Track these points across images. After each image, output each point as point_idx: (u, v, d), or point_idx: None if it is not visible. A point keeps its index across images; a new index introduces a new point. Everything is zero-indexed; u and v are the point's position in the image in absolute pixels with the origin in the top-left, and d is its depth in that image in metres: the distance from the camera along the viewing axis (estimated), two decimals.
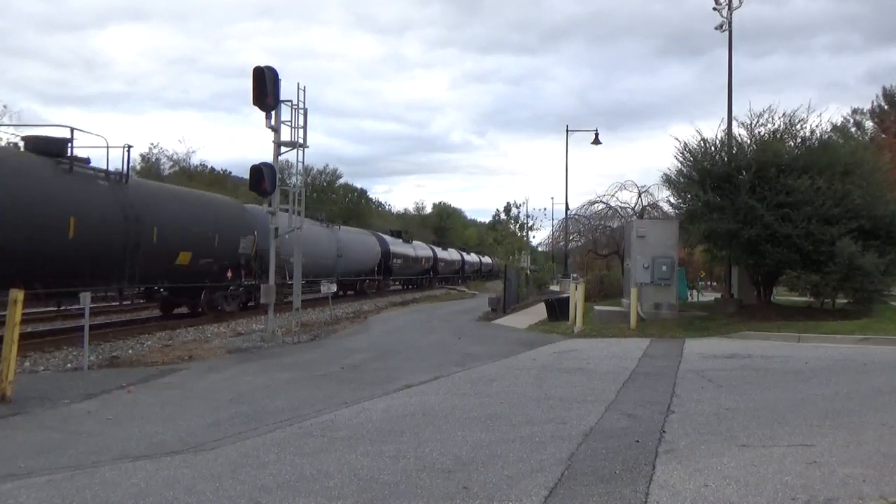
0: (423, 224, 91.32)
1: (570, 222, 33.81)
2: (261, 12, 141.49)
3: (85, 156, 14.41)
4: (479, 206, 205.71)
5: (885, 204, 16.67)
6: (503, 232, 40.76)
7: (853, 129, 44.07)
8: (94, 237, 13.25)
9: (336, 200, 69.32)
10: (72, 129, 13.54)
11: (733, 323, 15.89)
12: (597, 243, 30.62)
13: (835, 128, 26.71)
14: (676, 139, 18.59)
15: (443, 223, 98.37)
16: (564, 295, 22.09)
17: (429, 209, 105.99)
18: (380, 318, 22.28)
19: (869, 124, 46.80)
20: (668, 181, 19.12)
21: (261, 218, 19.72)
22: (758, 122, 17.73)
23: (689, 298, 25.17)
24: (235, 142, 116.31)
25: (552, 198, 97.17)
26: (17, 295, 8.18)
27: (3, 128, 37.47)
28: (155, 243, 15.33)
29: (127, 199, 14.88)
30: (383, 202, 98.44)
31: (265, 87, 14.40)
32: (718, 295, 23.68)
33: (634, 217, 25.92)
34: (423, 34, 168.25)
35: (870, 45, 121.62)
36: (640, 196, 28.62)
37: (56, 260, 10.26)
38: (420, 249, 45.96)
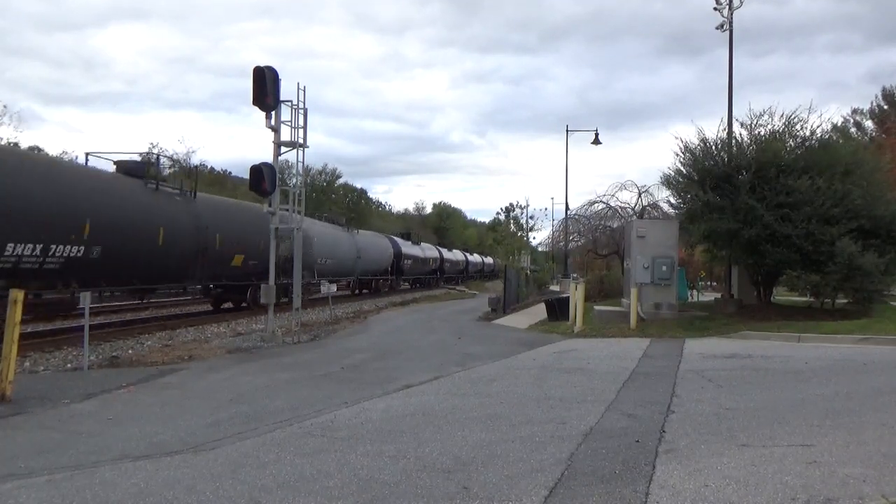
0: (424, 224, 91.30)
1: (570, 222, 33.81)
2: (260, 12, 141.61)
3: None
4: (479, 206, 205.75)
5: (885, 204, 16.67)
6: (503, 233, 40.75)
7: (853, 130, 44.09)
8: (175, 244, 16.05)
9: (336, 200, 69.32)
10: (158, 156, 17.59)
11: (733, 323, 15.88)
12: (597, 243, 30.62)
13: (835, 128, 26.74)
14: (677, 139, 18.60)
15: (443, 223, 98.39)
16: (564, 295, 22.09)
17: (429, 209, 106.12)
18: (380, 318, 22.28)
19: (869, 124, 46.81)
20: (667, 181, 19.12)
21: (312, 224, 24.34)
22: (757, 122, 17.75)
23: (689, 298, 25.19)
24: (235, 142, 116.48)
25: (552, 198, 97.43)
26: (17, 295, 8.18)
27: (2, 129, 37.50)
28: (217, 248, 18.08)
29: (196, 211, 17.72)
30: (383, 202, 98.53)
31: (265, 87, 14.40)
32: (718, 295, 23.68)
33: (634, 217, 25.91)
34: (423, 34, 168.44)
35: (870, 44, 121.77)
36: (640, 196, 28.64)
37: (149, 262, 12.69)
38: (428, 251, 48.16)
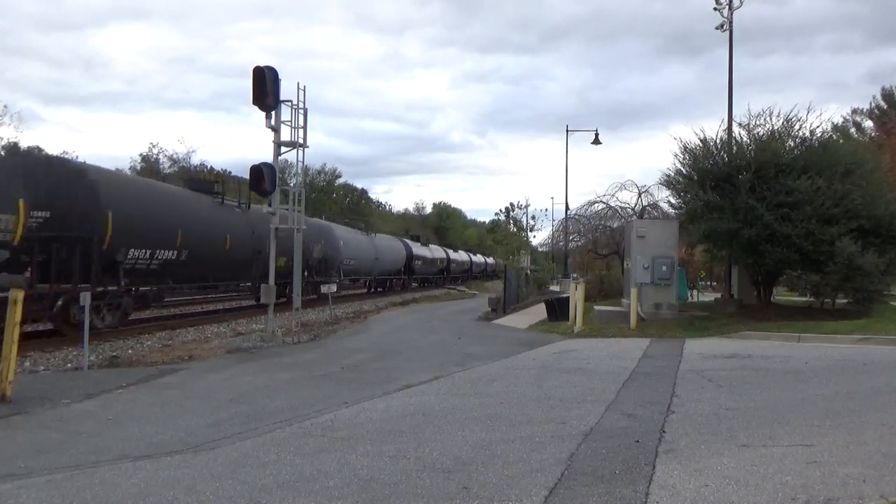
0: (424, 224, 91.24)
1: (570, 222, 33.83)
2: (260, 12, 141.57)
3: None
4: (479, 206, 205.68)
5: (885, 204, 16.67)
6: (502, 233, 40.87)
7: (853, 130, 44.11)
8: (237, 248, 19.09)
9: (336, 200, 69.34)
10: (223, 180, 20.45)
11: (733, 323, 15.88)
12: (597, 243, 30.63)
13: (835, 128, 26.72)
14: (677, 139, 18.61)
15: (443, 223, 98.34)
16: (564, 295, 22.09)
17: (429, 209, 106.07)
18: (380, 318, 22.28)
19: (869, 124, 46.83)
20: (668, 182, 19.13)
21: (326, 228, 28.35)
22: (756, 122, 17.75)
23: (689, 298, 25.18)
24: (235, 142, 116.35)
25: (552, 198, 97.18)
26: (17, 295, 8.18)
27: (2, 129, 37.54)
28: (267, 252, 20.34)
29: (251, 220, 20.60)
30: (383, 202, 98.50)
31: (265, 87, 14.41)
32: (718, 295, 23.69)
33: (634, 217, 25.92)
34: (422, 34, 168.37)
35: (870, 44, 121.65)
36: (640, 196, 28.65)
37: (218, 263, 15.35)
38: (436, 252, 51.12)
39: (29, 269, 12.81)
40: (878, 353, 11.61)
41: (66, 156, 40.74)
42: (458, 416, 7.01)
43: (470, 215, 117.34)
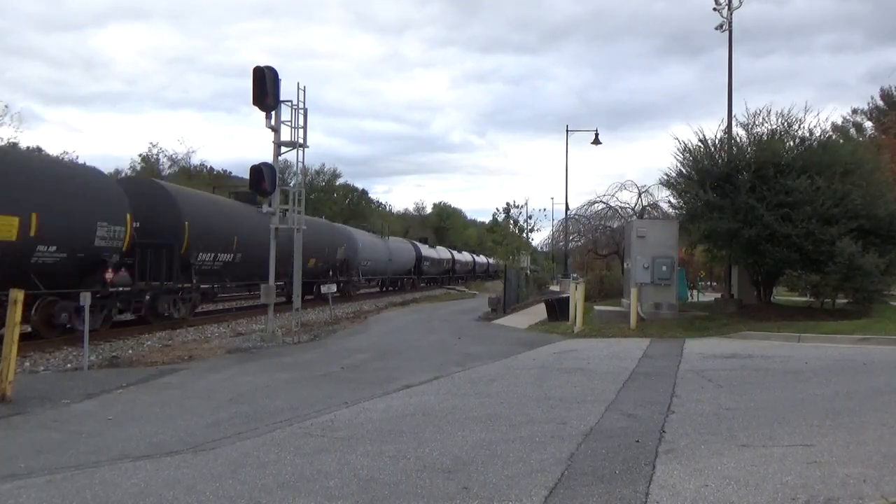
0: (424, 224, 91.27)
1: (570, 222, 33.83)
2: (260, 11, 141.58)
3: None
4: (479, 206, 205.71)
5: (884, 204, 16.67)
6: (502, 233, 41.01)
7: (852, 130, 44.11)
8: (278, 252, 21.40)
9: (336, 200, 69.30)
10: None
11: (733, 323, 15.88)
12: (597, 243, 30.63)
13: (835, 128, 26.70)
14: (677, 139, 18.60)
15: (443, 223, 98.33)
16: (564, 295, 22.10)
17: (429, 209, 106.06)
18: (380, 319, 22.28)
19: (868, 124, 46.83)
20: (668, 182, 19.12)
21: (347, 232, 31.98)
22: (755, 121, 17.75)
23: (689, 298, 25.18)
24: (235, 142, 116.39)
25: (552, 198, 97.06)
26: (17, 295, 8.18)
27: (2, 130, 37.55)
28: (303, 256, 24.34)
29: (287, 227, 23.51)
30: (383, 202, 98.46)
31: (265, 87, 14.41)
32: (718, 295, 23.69)
33: (634, 217, 25.92)
34: (422, 33, 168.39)
35: (871, 44, 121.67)
36: (640, 196, 28.66)
37: (264, 265, 16.34)
38: (442, 253, 54.03)
39: (124, 269, 15.62)
40: (878, 353, 11.61)
41: (66, 156, 40.80)
42: (458, 416, 7.01)
43: (470, 215, 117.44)
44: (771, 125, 17.59)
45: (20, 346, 8.75)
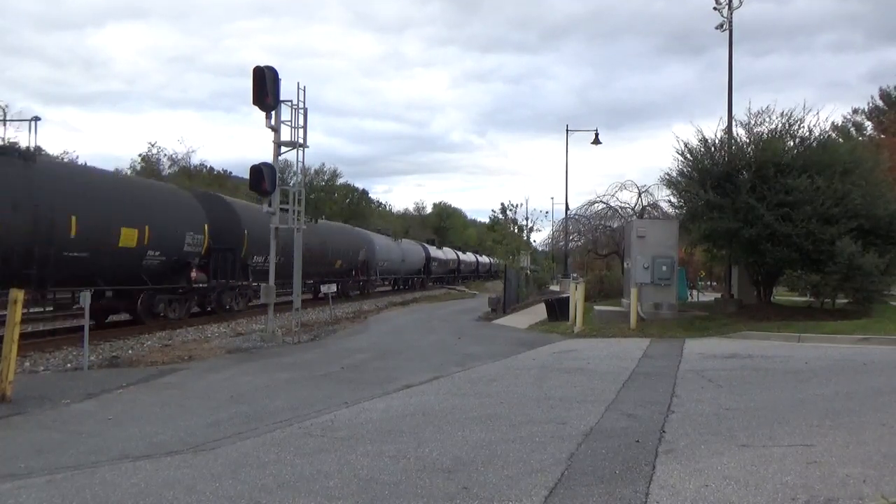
0: (424, 224, 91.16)
1: (570, 222, 33.81)
2: (260, 10, 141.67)
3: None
4: (479, 206, 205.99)
5: (884, 204, 16.66)
6: (502, 232, 41.20)
7: (852, 130, 44.10)
8: (310, 253, 23.63)
9: (336, 201, 69.23)
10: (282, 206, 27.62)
11: (733, 323, 15.88)
12: (597, 243, 30.61)
13: (835, 127, 26.68)
14: (678, 138, 18.60)
15: (443, 223, 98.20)
16: (564, 295, 22.09)
17: (429, 209, 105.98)
18: (380, 318, 22.28)
19: (868, 124, 46.83)
20: (668, 181, 19.12)
21: (367, 236, 35.22)
22: (756, 121, 17.75)
23: (689, 298, 25.18)
24: (235, 141, 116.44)
25: (552, 198, 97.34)
26: (17, 295, 8.18)
27: (2, 129, 37.53)
28: (329, 257, 28.43)
29: (320, 232, 27.64)
30: (383, 202, 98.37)
31: (265, 87, 14.40)
32: (718, 295, 23.68)
33: (634, 217, 25.91)
34: (422, 32, 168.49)
35: (872, 43, 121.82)
36: (640, 196, 28.64)
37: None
38: (448, 254, 57.47)
39: (196, 270, 18.54)
40: (878, 353, 11.61)
41: (67, 156, 40.73)
42: (458, 416, 7.00)
43: (470, 215, 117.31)
44: (771, 125, 17.61)
45: (20, 346, 8.75)
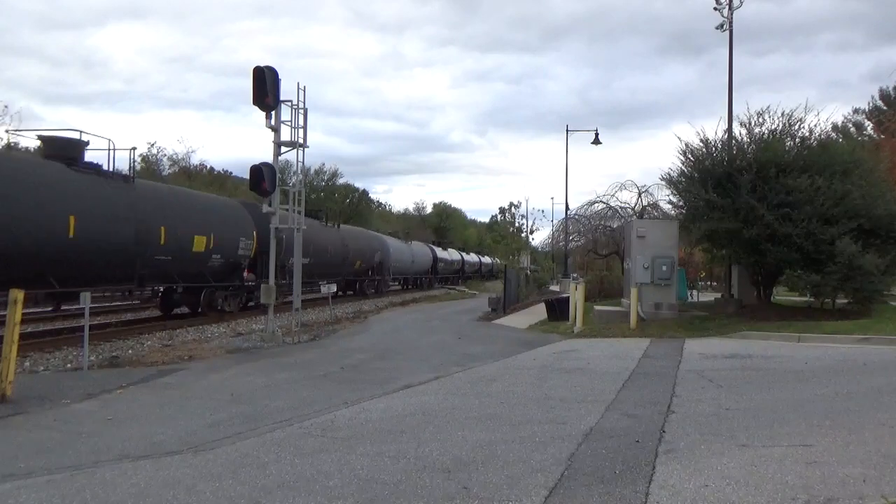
0: (423, 224, 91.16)
1: (570, 222, 33.80)
2: (259, 10, 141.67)
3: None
4: (479, 206, 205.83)
5: (884, 204, 16.65)
6: (502, 232, 41.51)
7: (853, 130, 44.11)
8: (334, 254, 28.47)
9: (336, 201, 69.27)
10: (319, 212, 30.96)
11: (733, 323, 15.88)
12: (597, 243, 30.60)
13: (835, 127, 26.66)
14: (679, 138, 18.59)
15: (443, 223, 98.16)
16: (564, 295, 22.09)
17: (429, 209, 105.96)
18: (380, 318, 22.28)
19: (868, 124, 46.83)
20: (669, 181, 19.11)
21: (382, 239, 38.63)
22: (757, 121, 17.74)
23: (689, 298, 25.16)
24: (235, 141, 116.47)
25: (552, 198, 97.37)
26: (18, 295, 8.18)
27: (1, 129, 37.51)
28: (350, 259, 31.59)
29: (343, 236, 31.15)
30: (383, 202, 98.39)
31: (265, 87, 14.40)
32: (718, 295, 23.67)
33: (634, 217, 25.91)
34: (422, 32, 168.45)
35: (872, 43, 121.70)
36: (640, 196, 28.65)
37: (326, 265, 23.55)
38: (453, 254, 60.04)
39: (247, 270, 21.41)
40: (878, 353, 11.61)
41: None
42: (458, 416, 7.01)
43: (470, 215, 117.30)
44: (772, 125, 17.60)
45: (20, 346, 8.75)
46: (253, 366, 11.28)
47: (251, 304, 22.13)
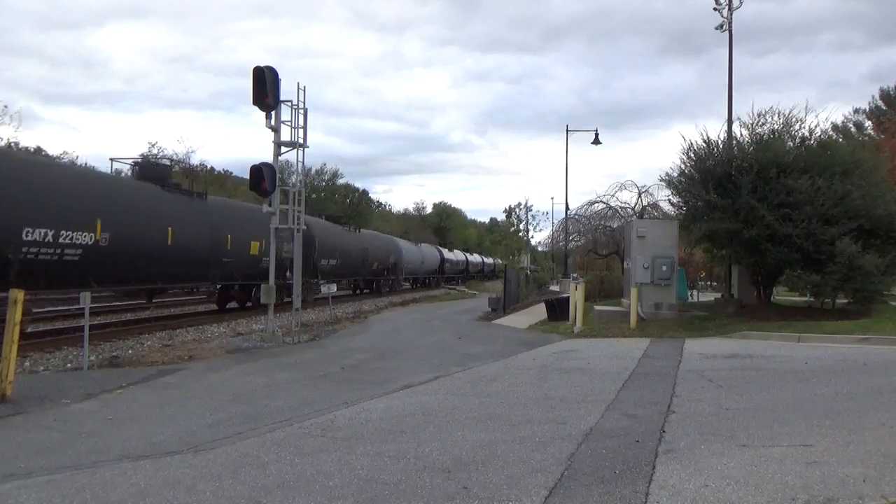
0: (423, 224, 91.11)
1: (570, 222, 33.81)
2: (259, 10, 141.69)
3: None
4: (479, 206, 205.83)
5: (884, 204, 16.64)
6: (502, 233, 41.66)
7: (853, 130, 44.11)
8: (355, 256, 31.58)
9: (336, 201, 69.31)
10: (340, 217, 34.88)
11: (733, 323, 15.88)
12: (597, 243, 30.60)
13: (835, 128, 26.63)
14: (683, 138, 18.58)
15: (442, 223, 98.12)
16: (564, 295, 22.09)
17: (429, 209, 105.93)
18: (380, 318, 22.28)
19: (869, 124, 46.83)
20: (669, 181, 19.10)
21: (396, 242, 42.51)
22: (758, 122, 17.74)
23: (689, 298, 25.16)
24: (235, 141, 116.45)
25: (552, 198, 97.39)
26: (18, 295, 8.18)
27: (2, 129, 37.61)
28: (369, 260, 34.92)
29: (363, 240, 34.61)
30: (383, 202, 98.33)
31: (265, 87, 14.40)
32: (718, 295, 23.66)
33: (634, 217, 25.90)
34: (422, 32, 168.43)
35: (872, 43, 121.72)
36: (640, 196, 28.66)
37: (350, 266, 27.89)
38: (458, 255, 63.90)
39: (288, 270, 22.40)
40: (878, 353, 11.61)
41: (66, 156, 40.72)
42: (458, 416, 7.01)
43: (470, 215, 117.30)
44: (772, 125, 17.60)
45: (20, 346, 8.75)
46: (253, 366, 11.28)
47: (287, 299, 24.11)
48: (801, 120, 17.52)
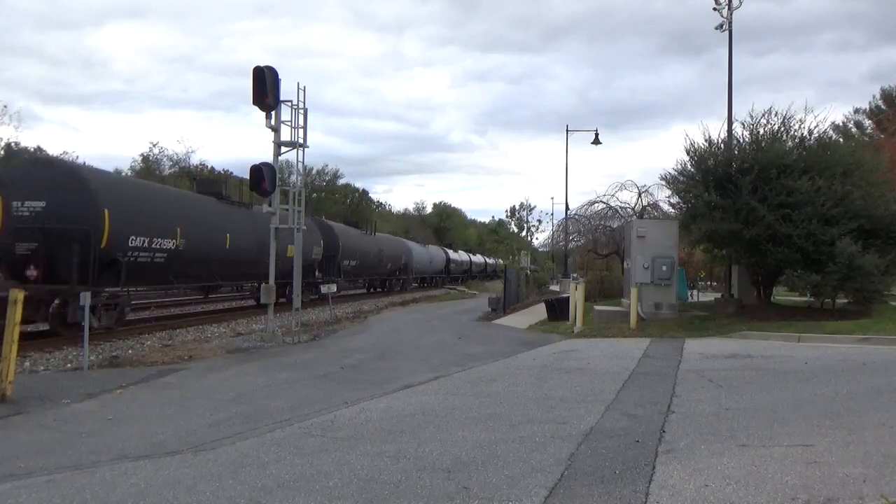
0: (424, 224, 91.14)
1: (570, 222, 33.82)
2: (259, 10, 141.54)
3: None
4: (479, 206, 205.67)
5: (885, 204, 16.64)
6: (503, 233, 41.69)
7: (853, 130, 44.11)
8: (374, 257, 34.18)
9: (337, 201, 69.40)
10: (358, 221, 39.28)
11: (733, 323, 15.88)
12: (597, 243, 30.61)
13: (836, 128, 26.63)
14: (686, 137, 18.60)
15: (443, 223, 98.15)
16: (564, 295, 22.09)
17: (429, 209, 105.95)
18: (380, 318, 22.28)
19: (868, 124, 46.84)
20: (669, 181, 19.11)
21: (406, 244, 44.67)
22: (759, 122, 17.74)
23: (689, 298, 25.17)
24: (235, 141, 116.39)
25: (552, 198, 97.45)
26: (18, 295, 8.18)
27: (2, 129, 37.67)
28: (384, 261, 37.23)
29: (379, 242, 37.10)
30: (383, 202, 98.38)
31: (265, 87, 14.40)
32: (718, 295, 23.67)
33: (634, 217, 25.91)
34: (422, 32, 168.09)
35: (873, 43, 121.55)
36: (640, 196, 28.66)
37: (370, 266, 30.67)
38: (462, 256, 65.52)
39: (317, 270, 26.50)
40: (878, 353, 11.61)
41: (66, 156, 40.80)
42: (458, 416, 7.01)
43: (470, 215, 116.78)
44: (773, 126, 17.60)
45: (20, 346, 8.75)
46: (253, 366, 11.28)
47: (314, 296, 26.04)
48: (801, 120, 17.54)
